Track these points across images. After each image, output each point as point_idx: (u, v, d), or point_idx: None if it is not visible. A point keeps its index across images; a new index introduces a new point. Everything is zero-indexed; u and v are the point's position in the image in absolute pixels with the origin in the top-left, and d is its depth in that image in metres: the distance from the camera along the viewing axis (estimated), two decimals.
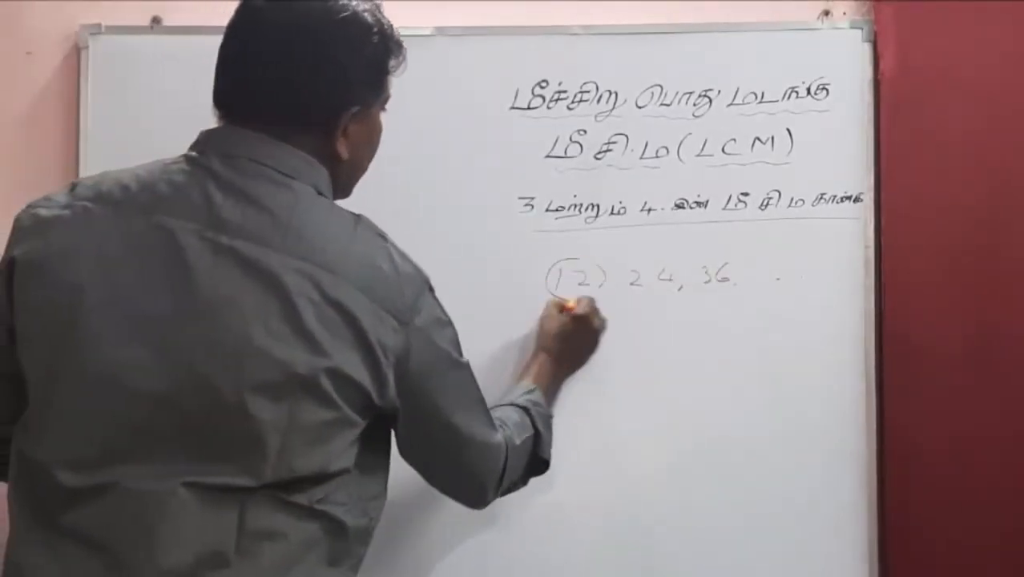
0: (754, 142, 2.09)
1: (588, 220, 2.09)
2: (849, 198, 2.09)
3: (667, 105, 2.09)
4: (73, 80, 2.11)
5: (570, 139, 2.09)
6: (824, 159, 2.09)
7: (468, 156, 2.08)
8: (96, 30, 2.10)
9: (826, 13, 2.14)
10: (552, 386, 1.94)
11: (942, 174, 2.06)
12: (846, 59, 2.10)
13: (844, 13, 2.14)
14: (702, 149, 2.09)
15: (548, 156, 2.09)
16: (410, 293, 1.46)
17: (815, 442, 2.07)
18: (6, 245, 1.45)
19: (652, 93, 2.09)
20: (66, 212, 1.43)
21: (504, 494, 1.73)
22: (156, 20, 2.13)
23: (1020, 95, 2.04)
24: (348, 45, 1.48)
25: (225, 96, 1.50)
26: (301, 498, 1.40)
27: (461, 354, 1.57)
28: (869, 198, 2.09)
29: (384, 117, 1.59)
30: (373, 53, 1.51)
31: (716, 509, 2.07)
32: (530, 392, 1.84)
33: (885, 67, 2.09)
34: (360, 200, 1.58)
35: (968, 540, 2.03)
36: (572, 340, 1.99)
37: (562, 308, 2.01)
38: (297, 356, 1.37)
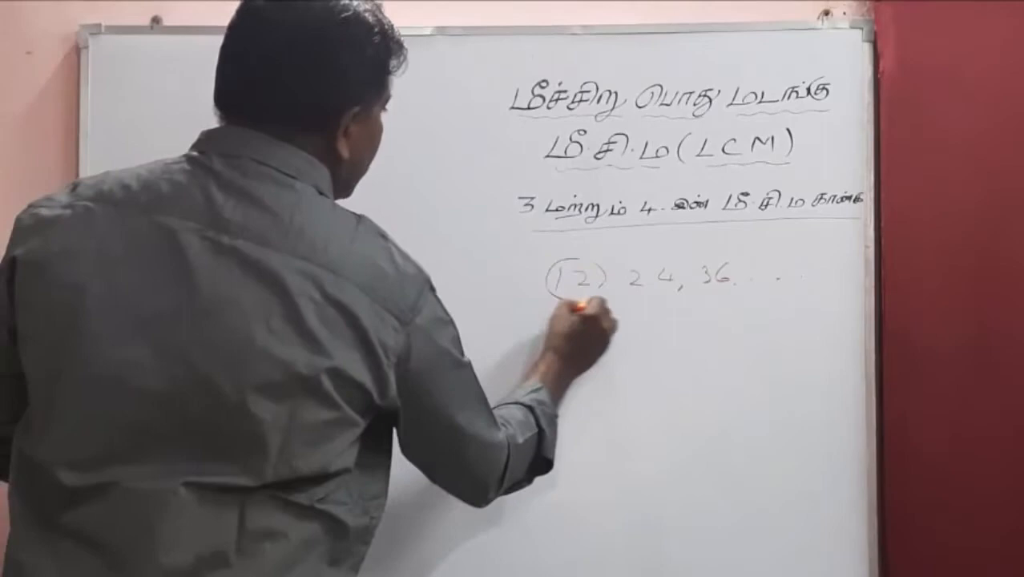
0: (754, 142, 2.09)
1: (588, 220, 2.09)
2: (849, 198, 2.09)
3: (667, 105, 2.09)
4: (73, 80, 2.11)
5: (570, 139, 2.09)
6: (824, 159, 2.09)
7: (468, 156, 2.08)
8: (96, 30, 2.10)
9: (826, 13, 2.14)
10: (559, 386, 1.94)
11: (942, 174, 2.06)
12: (846, 59, 2.10)
13: (844, 13, 2.15)
14: (702, 149, 2.09)
15: (548, 156, 2.09)
16: (411, 293, 1.47)
17: (815, 442, 2.07)
18: (7, 245, 1.45)
19: (652, 93, 2.09)
20: (67, 212, 1.43)
21: (508, 492, 1.74)
22: (156, 20, 2.13)
23: (1020, 95, 2.04)
24: (349, 45, 1.49)
25: (226, 96, 1.50)
26: (302, 497, 1.40)
27: (463, 353, 1.57)
28: (869, 198, 2.09)
29: (384, 117, 1.59)
30: (374, 53, 1.51)
31: (716, 509, 2.07)
32: (536, 391, 1.84)
33: (885, 67, 2.09)
34: (360, 200, 1.58)
35: (968, 540, 2.03)
36: (581, 340, 1.99)
37: (573, 308, 2.01)
38: (298, 356, 1.37)
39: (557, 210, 2.09)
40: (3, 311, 1.44)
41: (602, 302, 2.01)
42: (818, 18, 2.13)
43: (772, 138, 2.09)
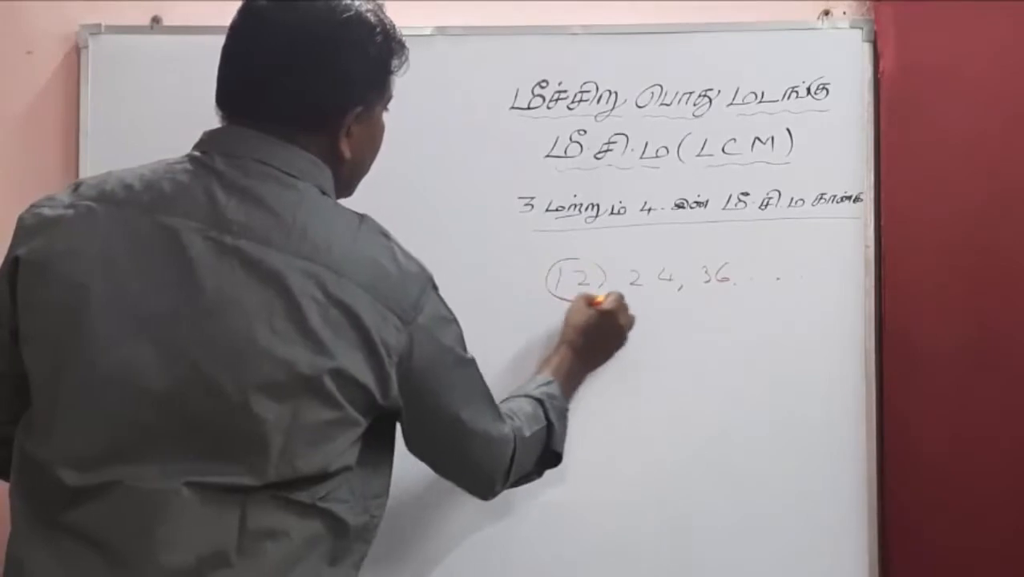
0: (754, 142, 2.09)
1: (588, 220, 2.09)
2: (849, 198, 2.09)
3: (667, 105, 2.09)
4: (73, 80, 2.11)
5: (570, 139, 2.09)
6: (824, 159, 2.09)
7: (468, 156, 2.08)
8: (96, 30, 2.10)
9: (826, 13, 2.14)
10: (571, 380, 1.93)
11: (942, 174, 2.06)
12: (846, 59, 2.10)
13: (844, 13, 2.15)
14: (702, 149, 2.09)
15: (548, 156, 2.09)
16: (414, 291, 1.47)
17: (815, 442, 2.07)
18: (10, 244, 1.46)
19: (652, 93, 2.09)
20: (70, 212, 1.43)
21: (516, 485, 1.74)
22: (156, 20, 2.13)
23: (1020, 95, 2.04)
24: (351, 45, 1.49)
25: (228, 96, 1.51)
26: (303, 496, 1.40)
27: (466, 350, 1.57)
28: (869, 198, 2.09)
29: (385, 117, 1.60)
30: (376, 53, 1.52)
31: (716, 508, 2.07)
32: (547, 384, 1.84)
33: (885, 67, 2.09)
34: (360, 200, 1.58)
35: (968, 540, 2.03)
36: (596, 335, 1.99)
37: (590, 302, 2.00)
38: (301, 356, 1.37)
39: (557, 210, 2.09)
40: (5, 311, 1.44)
41: (619, 297, 2.01)
42: (818, 18, 2.13)
43: (772, 138, 2.09)
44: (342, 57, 1.48)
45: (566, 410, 1.84)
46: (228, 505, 1.37)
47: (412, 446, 1.59)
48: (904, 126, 2.07)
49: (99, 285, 1.38)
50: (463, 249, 2.05)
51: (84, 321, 1.38)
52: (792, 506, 2.07)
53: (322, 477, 1.41)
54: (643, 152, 2.09)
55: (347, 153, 1.52)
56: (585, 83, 2.09)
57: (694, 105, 2.09)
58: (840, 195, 2.09)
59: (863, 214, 2.09)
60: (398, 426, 1.55)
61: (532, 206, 2.08)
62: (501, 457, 1.65)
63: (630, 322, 2.02)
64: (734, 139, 2.09)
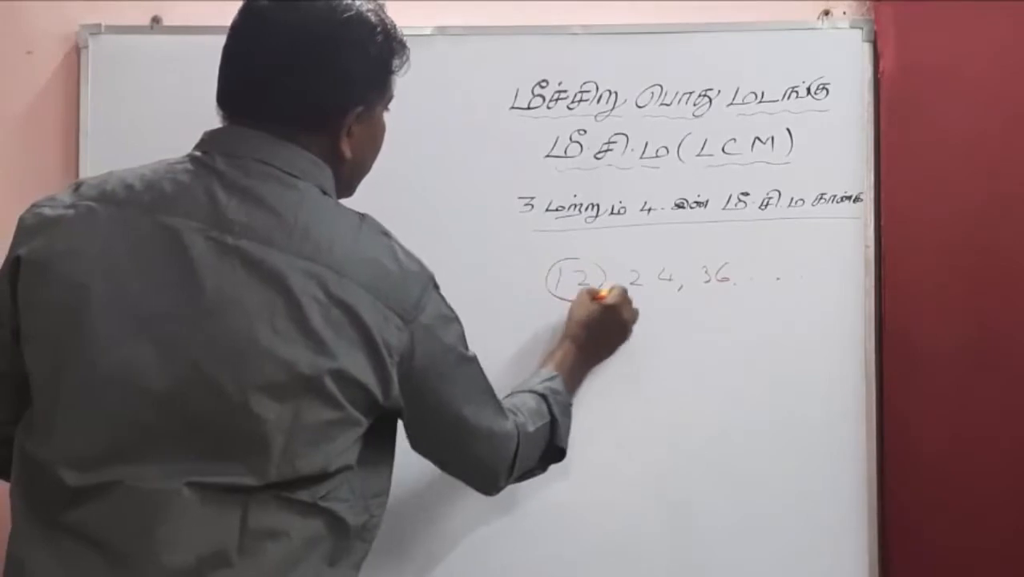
0: (754, 142, 2.09)
1: (588, 220, 2.09)
2: (849, 198, 2.09)
3: (667, 105, 2.09)
4: (73, 80, 2.11)
5: (570, 139, 2.09)
6: (824, 159, 2.09)
7: (468, 156, 2.08)
8: (96, 30, 2.10)
9: (826, 13, 2.14)
10: (575, 375, 1.94)
11: (942, 174, 2.06)
12: (846, 59, 2.10)
13: (844, 13, 2.15)
14: (702, 149, 2.09)
15: (548, 156, 2.09)
16: (415, 291, 1.47)
17: (815, 442, 2.07)
18: (10, 244, 1.46)
19: (652, 93, 2.09)
20: (71, 212, 1.43)
21: (520, 480, 1.74)
22: (156, 20, 2.13)
23: (1020, 95, 2.04)
24: (352, 45, 1.49)
25: (229, 96, 1.51)
26: (304, 495, 1.40)
27: (467, 348, 1.57)
28: (869, 198, 2.09)
29: (385, 117, 1.60)
30: (377, 53, 1.52)
31: (715, 508, 2.07)
32: (550, 379, 1.84)
33: (885, 67, 2.09)
34: (361, 200, 1.58)
35: (968, 540, 2.03)
36: (599, 329, 1.99)
37: (594, 296, 2.01)
38: (302, 356, 1.37)
39: (557, 210, 2.09)
40: (6, 311, 1.44)
41: (623, 291, 2.01)
42: (818, 18, 2.13)
43: (772, 138, 2.09)
44: (343, 57, 1.48)
45: (569, 405, 1.85)
46: (229, 505, 1.37)
47: (415, 444, 1.59)
48: (904, 126, 2.07)
49: (100, 285, 1.38)
50: (463, 249, 2.05)
51: (85, 321, 1.38)
52: (792, 506, 2.07)
53: (323, 477, 1.41)
54: (643, 152, 2.09)
55: (348, 153, 1.52)
56: (585, 83, 2.09)
57: (694, 105, 2.09)
58: (840, 195, 2.09)
59: (863, 214, 2.09)
60: (399, 425, 1.55)
61: (532, 206, 2.08)
62: (504, 453, 1.65)
63: (634, 316, 2.02)
64: (734, 139, 2.09)
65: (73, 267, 1.40)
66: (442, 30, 2.09)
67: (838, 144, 2.09)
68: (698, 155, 2.09)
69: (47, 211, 1.45)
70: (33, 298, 1.42)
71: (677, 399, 2.07)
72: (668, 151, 2.09)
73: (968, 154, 2.05)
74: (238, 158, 1.46)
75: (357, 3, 1.50)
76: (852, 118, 2.09)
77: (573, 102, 2.09)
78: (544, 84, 2.09)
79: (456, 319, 1.55)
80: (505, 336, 2.04)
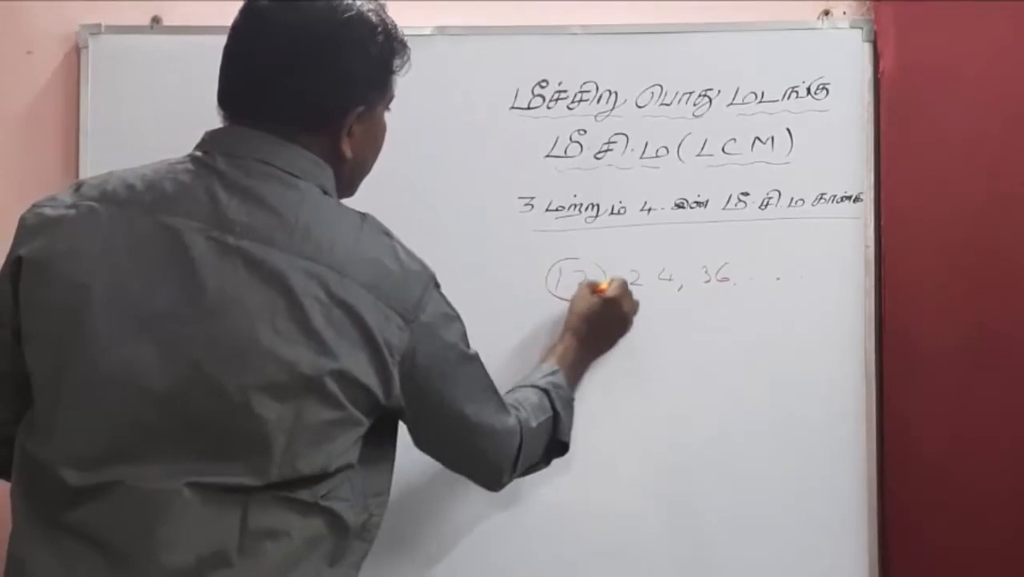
0: (754, 142, 2.09)
1: (588, 220, 2.09)
2: (849, 198, 2.09)
3: (667, 105, 2.09)
4: (73, 80, 2.11)
5: (570, 139, 2.09)
6: (824, 159, 2.09)
7: (468, 156, 2.08)
8: (96, 30, 2.10)
9: (826, 13, 2.14)
10: (576, 368, 1.94)
11: (942, 174, 2.06)
12: (846, 59, 2.10)
13: (844, 13, 2.14)
14: (702, 149, 2.09)
15: (548, 156, 2.09)
16: (416, 290, 1.47)
17: (815, 442, 2.07)
18: (11, 244, 1.46)
19: (652, 93, 2.09)
20: (71, 212, 1.44)
21: (524, 475, 1.74)
22: (156, 20, 2.13)
23: (1020, 95, 2.04)
24: (353, 45, 1.49)
25: (229, 97, 1.51)
26: (305, 494, 1.40)
27: (469, 346, 1.57)
28: (869, 198, 2.09)
29: (386, 117, 1.60)
30: (378, 53, 1.52)
31: (715, 508, 2.07)
32: (552, 373, 1.85)
33: (885, 67, 2.09)
34: (361, 200, 1.58)
35: (968, 540, 2.03)
36: (600, 322, 1.99)
37: (594, 289, 2.01)
38: (303, 356, 1.37)
39: (557, 210, 2.09)
40: (7, 311, 1.44)
41: (623, 284, 2.01)
42: (818, 18, 2.13)
43: (772, 138, 2.09)
44: (343, 57, 1.48)
45: (572, 399, 1.85)
46: (229, 505, 1.37)
47: (418, 443, 1.60)
48: (904, 126, 2.07)
49: (101, 285, 1.38)
50: (463, 249, 2.05)
51: (86, 321, 1.38)
52: (792, 506, 2.07)
53: (323, 476, 1.41)
54: (643, 152, 2.09)
55: (348, 153, 1.52)
56: (585, 83, 2.09)
57: (694, 105, 2.09)
58: (840, 195, 2.09)
59: (863, 214, 2.09)
60: (400, 424, 1.55)
61: (532, 206, 2.08)
62: (508, 449, 1.65)
63: (634, 308, 2.02)
64: (734, 139, 2.09)
65: (74, 267, 1.40)
66: (442, 30, 2.09)
67: (838, 144, 2.09)
68: (698, 155, 2.09)
69: (48, 211, 1.45)
70: (34, 298, 1.42)
71: (677, 399, 2.07)
72: (668, 151, 2.09)
73: (968, 154, 2.05)
74: (239, 158, 1.46)
75: (358, 3, 1.50)
76: (852, 118, 2.09)
77: (573, 102, 2.09)
78: (544, 84, 2.09)
79: (457, 317, 1.55)
80: (505, 336, 2.04)
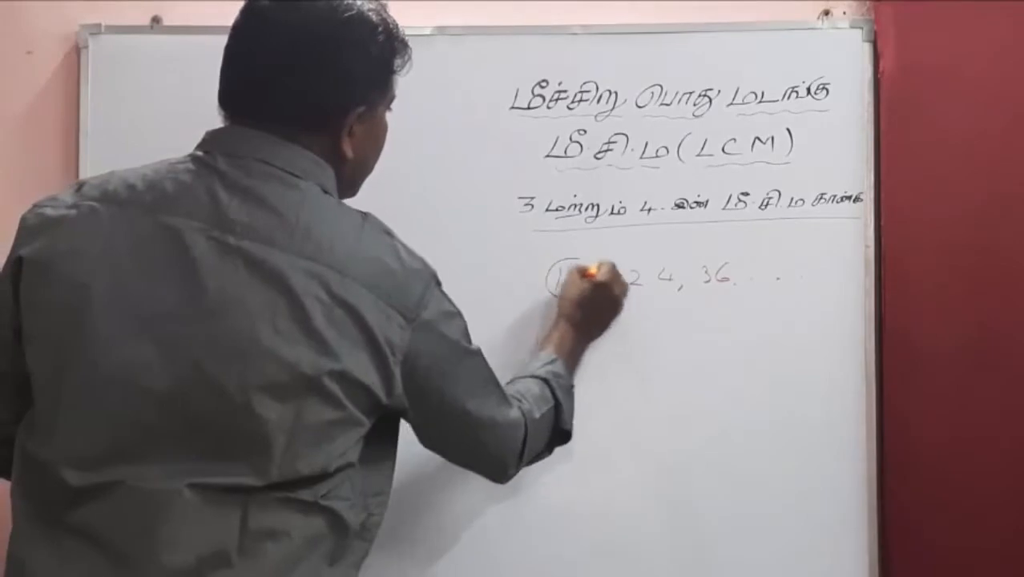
0: (754, 142, 2.09)
1: (588, 220, 2.09)
2: (849, 198, 2.09)
3: (667, 105, 2.09)
4: (73, 80, 2.11)
5: (570, 139, 2.09)
6: (824, 159, 2.09)
7: (468, 156, 2.08)
8: (96, 30, 2.10)
9: (826, 13, 2.14)
10: (573, 355, 1.94)
11: (942, 174, 2.06)
12: (846, 59, 2.10)
13: (844, 13, 2.14)
14: (702, 149, 2.09)
15: (548, 156, 2.09)
16: (417, 289, 1.47)
17: (815, 442, 2.07)
18: (12, 244, 1.46)
19: (652, 93, 2.09)
20: (72, 212, 1.44)
21: (528, 465, 1.74)
22: (156, 20, 2.12)
23: (1020, 95, 2.04)
24: (353, 45, 1.49)
25: (230, 97, 1.51)
26: (306, 494, 1.40)
27: (471, 342, 1.57)
28: (869, 198, 2.09)
29: (387, 116, 1.59)
30: (379, 53, 1.52)
31: (715, 508, 2.07)
32: (551, 362, 1.85)
33: (885, 67, 2.09)
34: (361, 200, 1.58)
35: (969, 539, 2.03)
36: (593, 307, 1.99)
37: (583, 274, 2.01)
38: (304, 356, 1.37)
39: (557, 210, 2.09)
40: (8, 311, 1.44)
41: (612, 267, 2.01)
42: (818, 18, 2.13)
43: (772, 138, 2.09)
44: (344, 57, 1.48)
45: (572, 387, 1.85)
46: (230, 505, 1.37)
47: (423, 440, 1.60)
48: (904, 126, 2.07)
49: (101, 285, 1.38)
50: (463, 249, 2.05)
51: (86, 321, 1.38)
52: (792, 506, 2.07)
53: (324, 476, 1.41)
54: (643, 152, 2.09)
55: (349, 153, 1.52)
56: (585, 83, 2.09)
57: (694, 105, 2.09)
58: (840, 195, 2.09)
59: (863, 214, 2.09)
60: (401, 423, 1.55)
61: (532, 206, 2.08)
62: (512, 442, 1.65)
63: (624, 290, 2.02)
64: (734, 139, 2.09)
65: (75, 267, 1.40)
66: (442, 30, 2.09)
67: (838, 144, 2.09)
68: (698, 155, 2.09)
69: (49, 211, 1.45)
70: (35, 298, 1.42)
71: (677, 399, 2.07)
72: (668, 151, 2.09)
73: (968, 154, 2.05)
74: (239, 158, 1.46)
75: (358, 3, 1.50)
76: (852, 118, 2.09)
77: (573, 102, 2.09)
78: (544, 84, 2.09)
79: (458, 314, 1.55)
80: (505, 336, 2.04)
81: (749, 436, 2.07)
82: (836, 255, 2.09)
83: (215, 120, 1.52)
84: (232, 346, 1.36)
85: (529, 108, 2.09)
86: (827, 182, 2.09)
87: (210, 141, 1.50)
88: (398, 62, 1.55)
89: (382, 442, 1.51)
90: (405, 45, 1.56)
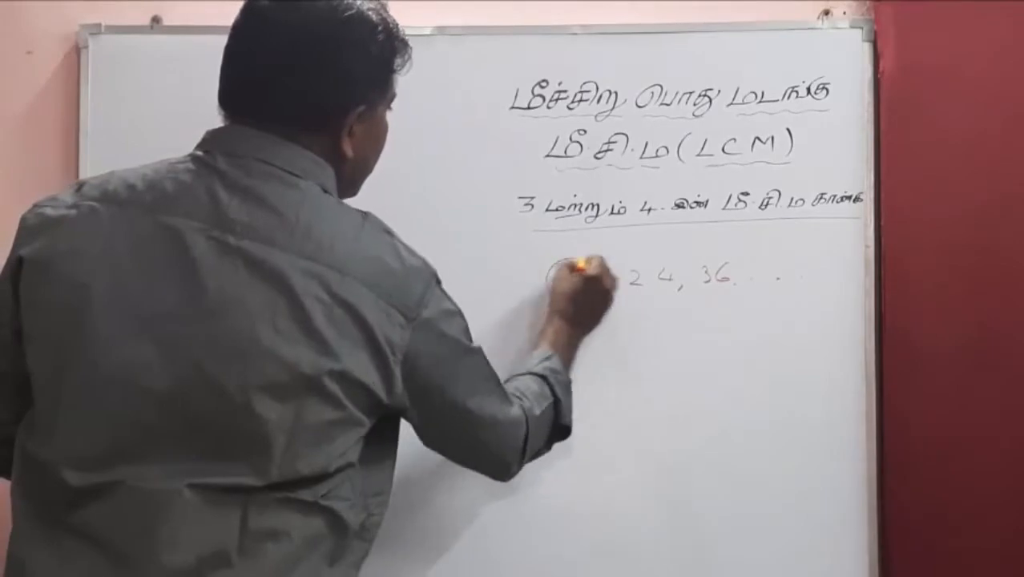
0: (754, 142, 2.09)
1: (588, 220, 2.09)
2: (849, 198, 2.09)
3: (667, 105, 2.09)
4: (73, 80, 2.11)
5: (570, 139, 2.09)
6: (824, 159, 2.09)
7: (468, 156, 2.08)
8: (96, 30, 2.10)
9: (826, 13, 2.14)
10: (569, 350, 1.94)
11: (942, 174, 2.06)
12: (846, 59, 2.10)
13: (844, 13, 2.14)
14: (702, 149, 2.09)
15: (548, 156, 2.09)
16: (417, 288, 1.47)
17: (815, 442, 2.07)
18: (12, 244, 1.46)
19: (652, 93, 2.09)
20: (72, 212, 1.44)
21: (528, 461, 1.74)
22: (156, 20, 2.12)
23: (1020, 95, 2.04)
24: (353, 44, 1.49)
25: (230, 96, 1.51)
26: (306, 494, 1.40)
27: (471, 340, 1.57)
28: (869, 198, 2.09)
29: (387, 116, 1.59)
30: (379, 52, 1.52)
31: (715, 508, 2.07)
32: (547, 359, 1.85)
33: (885, 67, 2.09)
34: (361, 200, 1.58)
35: (969, 539, 2.03)
36: (585, 301, 1.99)
37: (573, 268, 2.00)
38: (304, 356, 1.37)
39: (557, 210, 2.09)
40: (8, 311, 1.44)
41: (602, 260, 2.01)
42: (818, 18, 2.13)
43: (772, 138, 2.09)
44: (344, 56, 1.48)
45: (569, 382, 1.85)
46: (230, 505, 1.37)
47: (425, 440, 1.60)
48: (904, 126, 2.07)
49: (101, 285, 1.39)
50: (463, 249, 2.05)
51: (86, 321, 1.38)
52: (792, 506, 2.07)
53: (324, 476, 1.41)
54: (643, 152, 2.09)
55: (349, 152, 1.52)
56: (585, 83, 2.09)
57: (694, 105, 2.09)
58: (840, 195, 2.09)
59: (863, 214, 2.09)
60: (401, 422, 1.55)
61: (532, 206, 2.08)
62: (514, 440, 1.66)
63: (614, 283, 2.02)
64: (734, 139, 2.09)
65: (75, 267, 1.40)
66: (442, 30, 2.09)
67: (838, 144, 2.09)
68: (698, 155, 2.09)
69: (49, 211, 1.45)
70: (35, 298, 1.42)
71: (677, 399, 2.07)
72: (668, 151, 2.09)
73: (968, 154, 2.06)
74: (239, 158, 1.46)
75: (358, 2, 1.50)
76: (852, 118, 2.09)
77: (573, 102, 2.09)
78: (544, 84, 2.09)
79: (459, 312, 1.55)
80: (505, 336, 2.04)
81: (749, 436, 2.07)
82: (836, 255, 2.09)
83: (215, 120, 1.52)
84: (232, 346, 1.37)
85: (529, 108, 2.09)
86: (827, 182, 2.09)
87: (210, 141, 1.50)
88: (398, 61, 1.55)
89: (382, 442, 1.51)
90: (405, 44, 1.56)
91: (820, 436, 2.07)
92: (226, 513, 1.37)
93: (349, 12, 1.49)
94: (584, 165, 2.09)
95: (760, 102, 2.09)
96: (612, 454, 2.07)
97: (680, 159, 2.09)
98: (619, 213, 2.09)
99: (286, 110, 1.47)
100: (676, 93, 2.09)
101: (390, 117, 1.61)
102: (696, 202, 2.09)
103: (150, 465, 1.36)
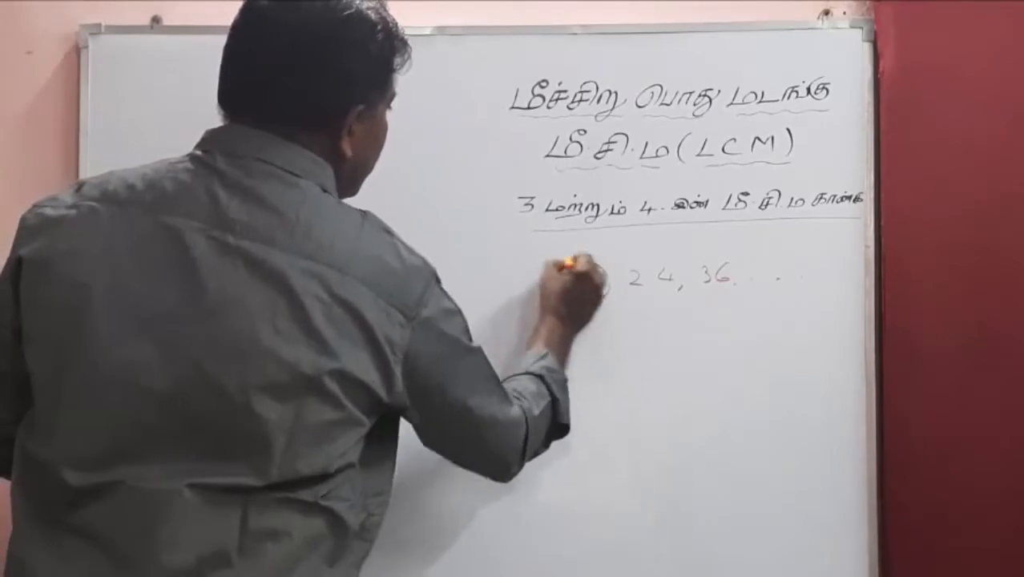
0: (754, 142, 2.09)
1: (588, 220, 2.09)
2: (849, 198, 2.09)
3: (667, 105, 2.09)
4: (73, 80, 2.11)
5: (570, 139, 2.09)
6: (824, 159, 2.09)
7: (468, 156, 2.08)
8: (96, 30, 2.10)
9: (826, 13, 2.14)
10: (563, 348, 1.94)
11: (942, 174, 2.06)
12: (846, 59, 2.10)
13: (844, 13, 2.14)
14: (702, 149, 2.09)
15: (548, 156, 2.09)
16: (417, 287, 1.47)
17: (815, 442, 2.07)
18: (12, 244, 1.46)
19: (652, 93, 2.09)
20: (72, 212, 1.44)
21: (528, 461, 1.74)
22: (156, 20, 2.13)
23: (1020, 95, 2.04)
24: (353, 44, 1.49)
25: (229, 96, 1.51)
26: (306, 494, 1.40)
27: (471, 340, 1.57)
28: (869, 198, 2.09)
29: (387, 115, 1.59)
30: (378, 51, 1.52)
31: (715, 508, 2.07)
32: (543, 358, 1.85)
33: (885, 67, 2.09)
34: (361, 200, 1.58)
35: (969, 539, 2.03)
36: (576, 297, 1.99)
37: (561, 267, 2.00)
38: (304, 356, 1.37)
39: (557, 210, 2.09)
40: (8, 311, 1.44)
41: (589, 258, 2.01)
42: (818, 18, 2.13)
43: (772, 138, 2.09)
44: (343, 56, 1.48)
45: (565, 380, 1.85)
46: (230, 505, 1.37)
47: (425, 439, 1.60)
48: (904, 126, 2.07)
49: (101, 285, 1.38)
50: (463, 249, 2.05)
51: (86, 321, 1.38)
52: (792, 506, 2.07)
53: (324, 476, 1.41)
54: (643, 152, 2.09)
55: (349, 152, 1.52)
56: (585, 83, 2.09)
57: (694, 105, 2.09)
58: (840, 195, 2.09)
59: (863, 214, 2.09)
60: (402, 423, 1.55)
61: (532, 206, 2.08)
62: (514, 440, 1.66)
63: (603, 279, 2.02)
64: (734, 139, 2.09)
65: (75, 267, 1.40)
66: (442, 30, 2.09)
67: (838, 144, 2.09)
68: (698, 155, 2.09)
69: (49, 211, 1.45)
70: (35, 298, 1.42)
71: (677, 399, 2.07)
72: (668, 151, 2.09)
73: (968, 154, 2.05)
74: (239, 157, 1.46)
75: (357, 1, 1.50)
76: (852, 118, 2.09)
77: (573, 102, 2.09)
78: (544, 84, 2.09)
79: (458, 312, 1.55)
80: (505, 335, 2.04)
81: (749, 436, 2.07)
82: (836, 255, 2.09)
83: (215, 120, 1.52)
84: (232, 346, 1.37)
85: (529, 108, 2.09)
86: (827, 182, 2.09)
87: (210, 140, 1.50)
88: (398, 61, 1.55)
89: (382, 442, 1.51)
90: (405, 43, 1.56)
91: (820, 436, 2.07)
92: (226, 513, 1.37)
93: (348, 11, 1.49)
94: (584, 165, 2.09)
95: (760, 102, 2.09)
96: (612, 454, 2.07)
97: (680, 159, 2.09)
98: (619, 213, 2.09)
99: (286, 110, 1.47)
100: (676, 93, 2.09)
101: (390, 117, 1.61)
102: (696, 202, 2.09)
103: (150, 465, 1.36)
